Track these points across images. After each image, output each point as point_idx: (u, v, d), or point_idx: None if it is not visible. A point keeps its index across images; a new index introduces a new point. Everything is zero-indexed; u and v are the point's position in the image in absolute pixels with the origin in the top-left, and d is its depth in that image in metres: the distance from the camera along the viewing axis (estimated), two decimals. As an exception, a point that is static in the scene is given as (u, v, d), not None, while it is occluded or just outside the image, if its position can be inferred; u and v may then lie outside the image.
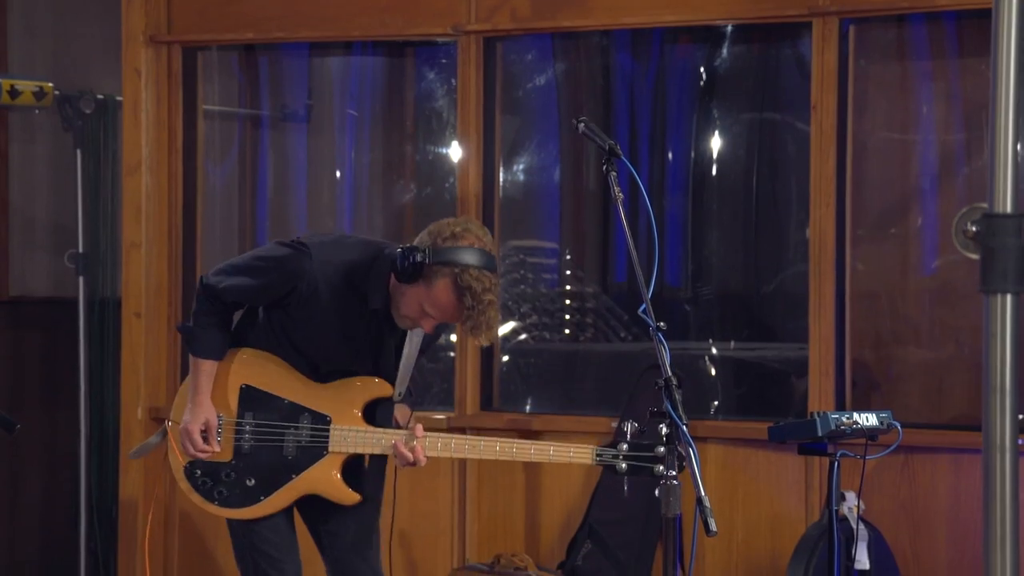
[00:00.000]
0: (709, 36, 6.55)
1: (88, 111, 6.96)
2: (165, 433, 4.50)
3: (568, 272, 7.13)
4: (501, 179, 6.43)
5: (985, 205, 2.38)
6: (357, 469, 4.49)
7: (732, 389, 6.70)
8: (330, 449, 4.39)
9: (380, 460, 4.54)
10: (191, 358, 4.47)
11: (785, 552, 5.50)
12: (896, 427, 4.95)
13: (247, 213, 7.29)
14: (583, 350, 7.03)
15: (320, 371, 4.44)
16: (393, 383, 4.44)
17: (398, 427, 4.46)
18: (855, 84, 5.82)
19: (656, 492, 3.92)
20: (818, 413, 4.92)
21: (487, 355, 6.25)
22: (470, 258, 4.18)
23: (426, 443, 4.34)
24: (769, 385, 6.59)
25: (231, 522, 4.53)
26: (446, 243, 4.19)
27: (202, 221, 6.72)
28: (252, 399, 4.43)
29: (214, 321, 4.44)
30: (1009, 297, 2.36)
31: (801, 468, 5.71)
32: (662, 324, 4.03)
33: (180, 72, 6.60)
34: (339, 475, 4.41)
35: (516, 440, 4.46)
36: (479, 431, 6.15)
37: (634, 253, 4.16)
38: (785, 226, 6.60)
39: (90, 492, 6.95)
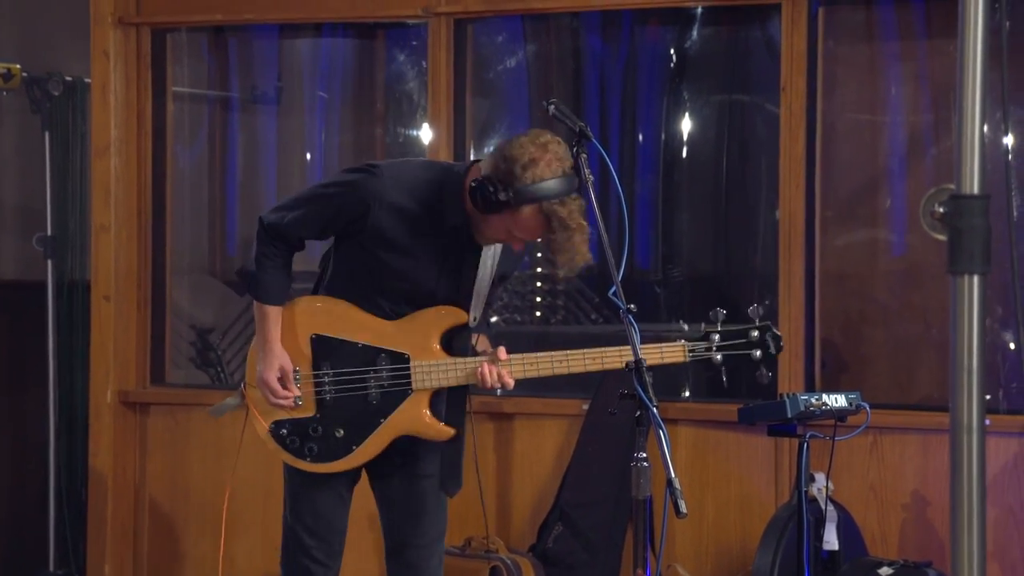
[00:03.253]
0: (679, 18, 6.56)
1: (56, 93, 6.92)
2: (243, 395, 4.36)
3: (539, 255, 7.13)
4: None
5: (953, 186, 2.39)
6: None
7: (702, 371, 6.71)
8: (414, 387, 4.25)
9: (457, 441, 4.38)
10: (255, 306, 4.31)
11: (755, 533, 5.51)
12: (865, 408, 4.97)
13: (217, 196, 7.27)
14: (554, 332, 7.03)
15: (400, 307, 4.27)
16: (468, 309, 4.28)
17: (476, 355, 4.29)
18: (824, 66, 5.83)
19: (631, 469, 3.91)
20: (787, 394, 4.94)
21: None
22: (553, 187, 4.02)
23: (511, 366, 4.22)
24: (739, 367, 6.59)
25: (288, 488, 4.40)
26: (526, 173, 4.01)
27: (171, 204, 6.70)
28: (325, 348, 4.28)
29: (277, 263, 4.27)
30: (976, 278, 2.36)
31: (771, 449, 5.72)
32: (632, 306, 4.03)
33: (149, 54, 6.57)
34: (428, 412, 4.26)
35: (603, 349, 4.23)
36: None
37: (604, 235, 4.16)
38: (755, 208, 6.62)
39: (59, 476, 6.92)
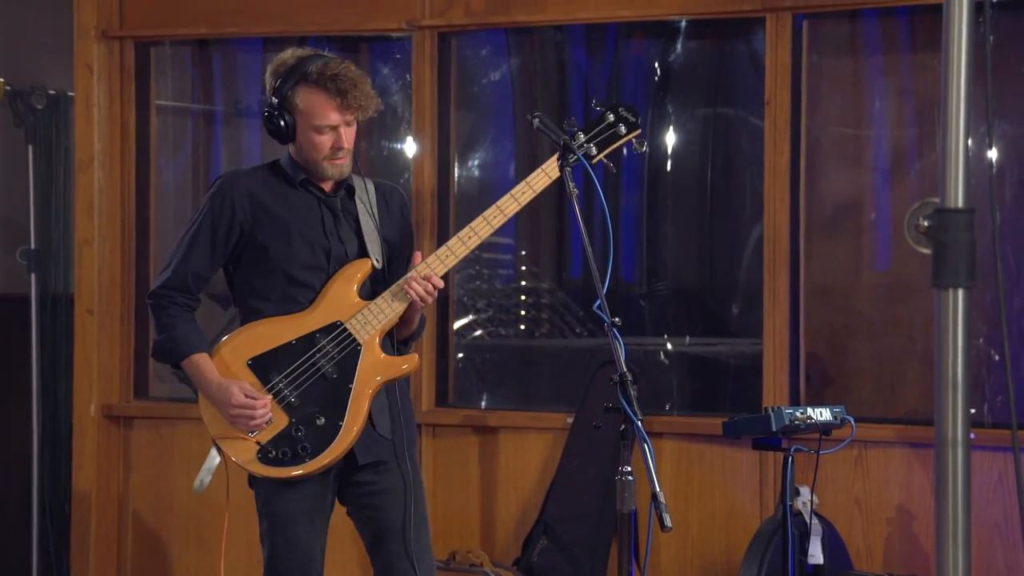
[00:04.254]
0: (663, 31, 6.56)
1: (40, 106, 6.91)
2: (218, 448, 4.36)
3: (523, 268, 7.13)
4: (456, 174, 6.42)
5: (937, 200, 2.39)
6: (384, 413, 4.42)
7: (687, 384, 6.71)
8: (361, 341, 4.34)
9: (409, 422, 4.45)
10: (186, 367, 4.36)
11: (739, 547, 5.51)
12: (849, 422, 4.97)
13: (200, 209, 7.24)
14: (538, 346, 7.03)
15: (314, 289, 4.36)
16: (367, 255, 4.39)
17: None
18: (808, 79, 5.84)
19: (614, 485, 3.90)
20: (772, 408, 4.94)
21: (442, 351, 6.24)
22: (301, 65, 4.33)
23: (428, 267, 4.32)
24: (724, 380, 6.60)
25: (262, 525, 4.41)
26: (277, 72, 4.36)
27: (155, 217, 6.69)
28: (265, 365, 4.34)
29: (184, 317, 4.37)
30: (961, 292, 2.37)
31: (755, 463, 5.72)
32: (617, 320, 4.03)
33: (133, 67, 6.57)
34: (385, 355, 4.36)
35: (497, 204, 4.35)
36: (435, 427, 6.14)
37: (589, 249, 4.16)
38: (739, 221, 6.62)
39: (42, 490, 6.90)
